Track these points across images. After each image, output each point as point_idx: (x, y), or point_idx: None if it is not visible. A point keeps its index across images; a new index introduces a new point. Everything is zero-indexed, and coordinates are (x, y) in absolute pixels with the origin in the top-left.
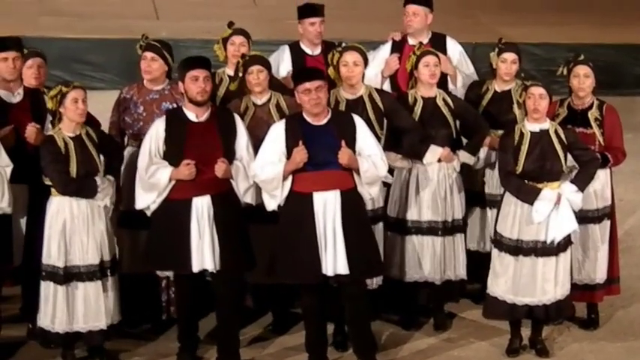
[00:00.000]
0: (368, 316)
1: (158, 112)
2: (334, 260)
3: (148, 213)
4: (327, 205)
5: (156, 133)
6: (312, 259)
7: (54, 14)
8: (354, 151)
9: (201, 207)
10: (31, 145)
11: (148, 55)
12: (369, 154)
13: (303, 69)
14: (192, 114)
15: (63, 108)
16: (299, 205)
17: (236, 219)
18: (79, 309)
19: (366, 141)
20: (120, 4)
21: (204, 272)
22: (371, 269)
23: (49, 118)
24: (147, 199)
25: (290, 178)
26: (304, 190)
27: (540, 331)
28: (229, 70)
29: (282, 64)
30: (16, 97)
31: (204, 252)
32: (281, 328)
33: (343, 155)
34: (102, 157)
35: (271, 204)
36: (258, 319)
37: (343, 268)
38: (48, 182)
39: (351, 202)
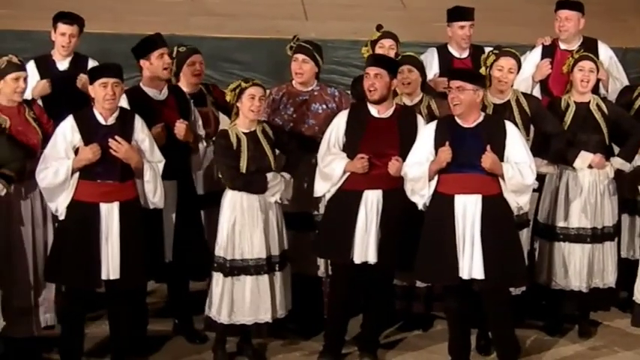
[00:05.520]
0: (511, 322)
1: (308, 114)
2: (470, 264)
3: (324, 201)
4: (467, 209)
5: (337, 125)
6: (450, 261)
7: (205, 14)
8: (502, 157)
9: (372, 200)
10: (180, 141)
11: (300, 57)
12: (517, 162)
13: (458, 68)
14: (374, 109)
15: (240, 103)
16: (441, 206)
17: (403, 216)
18: (246, 302)
19: (516, 148)
20: (269, 4)
21: (355, 275)
22: (511, 278)
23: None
24: (322, 187)
25: (436, 178)
26: (447, 192)
27: None
28: None
29: (430, 67)
30: (163, 95)
31: (368, 244)
32: (423, 331)
33: (486, 159)
34: (276, 154)
35: (419, 203)
36: (399, 321)
37: (479, 273)
38: (219, 176)
39: (494, 208)
